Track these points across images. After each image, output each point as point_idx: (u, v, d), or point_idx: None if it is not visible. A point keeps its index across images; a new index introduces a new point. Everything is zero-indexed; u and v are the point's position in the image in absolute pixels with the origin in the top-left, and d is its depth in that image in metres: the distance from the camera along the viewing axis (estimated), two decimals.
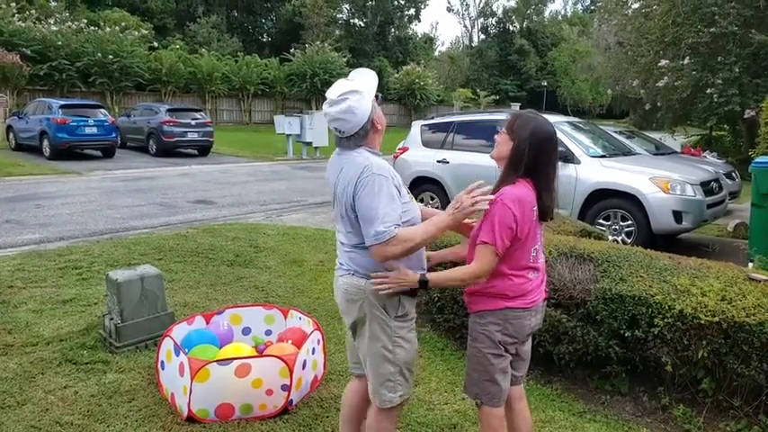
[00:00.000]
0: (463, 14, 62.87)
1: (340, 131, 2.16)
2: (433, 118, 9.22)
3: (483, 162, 7.59)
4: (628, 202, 6.56)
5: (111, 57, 25.77)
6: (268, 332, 3.76)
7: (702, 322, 2.86)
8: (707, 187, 6.84)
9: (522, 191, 2.15)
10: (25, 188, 10.80)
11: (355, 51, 44.41)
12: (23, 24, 24.59)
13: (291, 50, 34.77)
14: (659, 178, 6.53)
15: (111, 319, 3.76)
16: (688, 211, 6.40)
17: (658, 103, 10.99)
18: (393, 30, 51.64)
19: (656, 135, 12.56)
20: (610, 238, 6.20)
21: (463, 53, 59.25)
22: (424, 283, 2.17)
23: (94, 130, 15.57)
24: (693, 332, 2.93)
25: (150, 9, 40.31)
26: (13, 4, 25.87)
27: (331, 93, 2.16)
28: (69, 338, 3.89)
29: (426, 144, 8.50)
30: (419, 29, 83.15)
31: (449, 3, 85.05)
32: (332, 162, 2.31)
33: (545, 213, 2.22)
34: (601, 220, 6.72)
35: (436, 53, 61.12)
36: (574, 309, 3.34)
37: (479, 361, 2.27)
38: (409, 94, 36.79)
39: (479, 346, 2.26)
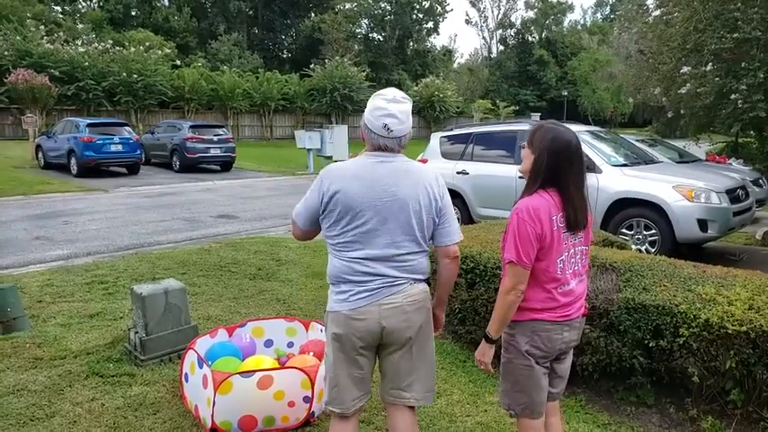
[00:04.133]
0: (482, 26, 63.03)
1: (398, 132, 2.16)
2: (451, 129, 9.23)
3: (503, 172, 7.65)
4: (651, 210, 6.47)
5: (135, 76, 26.42)
6: (290, 344, 3.78)
7: (729, 332, 2.80)
8: (733, 195, 6.71)
9: (538, 201, 2.11)
10: (54, 205, 11.06)
11: (374, 65, 44.76)
12: (52, 46, 25.41)
13: (311, 66, 35.19)
14: (683, 186, 6.43)
15: (137, 332, 3.82)
16: (713, 219, 6.29)
17: (681, 111, 10.82)
18: (412, 43, 51.95)
19: (679, 143, 12.38)
20: (633, 247, 6.11)
21: (482, 64, 59.32)
22: (494, 341, 2.21)
23: (120, 147, 15.91)
24: (720, 342, 2.87)
25: (173, 28, 41.32)
26: (42, 27, 26.75)
27: (390, 93, 2.19)
28: (96, 352, 3.97)
29: (445, 155, 8.51)
30: (438, 42, 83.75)
31: (467, 15, 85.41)
32: (371, 169, 2.16)
33: (572, 223, 2.14)
34: (624, 230, 6.64)
35: (455, 65, 61.27)
36: (597, 319, 3.30)
37: (510, 371, 2.26)
38: (429, 107, 36.94)
39: (509, 356, 2.25)
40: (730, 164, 10.58)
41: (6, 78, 20.39)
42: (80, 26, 34.12)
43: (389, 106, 2.14)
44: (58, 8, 39.88)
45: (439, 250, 2.30)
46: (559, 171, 2.12)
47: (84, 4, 44.51)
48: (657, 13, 11.36)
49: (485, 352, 2.23)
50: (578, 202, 2.14)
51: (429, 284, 2.34)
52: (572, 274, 2.22)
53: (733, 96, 8.23)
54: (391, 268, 2.16)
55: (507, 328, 2.23)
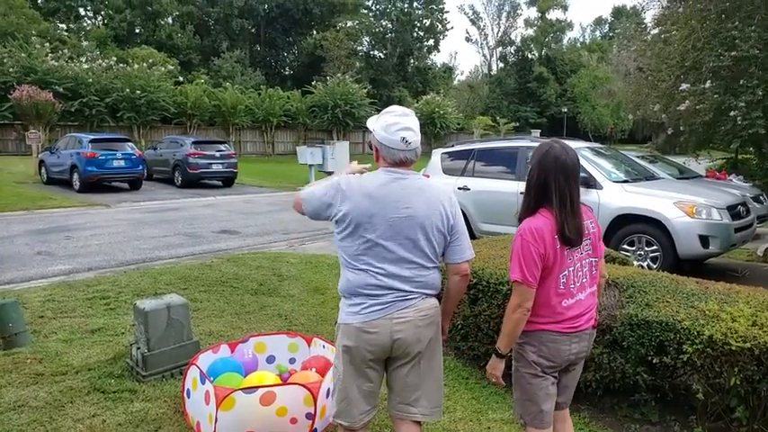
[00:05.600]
0: (482, 44, 63.44)
1: (415, 144, 2.23)
2: (453, 146, 9.28)
3: (504, 188, 7.68)
4: (652, 227, 6.48)
5: (138, 92, 26.63)
6: (292, 360, 3.77)
7: (733, 348, 2.79)
8: (734, 211, 6.73)
9: (540, 220, 2.17)
10: (56, 220, 11.08)
11: (375, 82, 45.12)
12: (57, 63, 25.67)
13: (313, 83, 35.47)
14: (684, 202, 6.45)
15: (138, 348, 3.81)
16: (715, 235, 6.30)
17: (681, 127, 10.90)
18: (412, 60, 52.42)
19: (679, 159, 12.43)
20: (635, 263, 6.11)
21: (482, 81, 59.71)
22: (504, 355, 2.27)
23: (122, 163, 15.98)
24: (724, 359, 2.86)
25: (176, 45, 41.74)
26: (47, 45, 27.03)
27: (398, 109, 2.27)
28: (97, 367, 3.95)
29: (447, 171, 8.55)
30: (438, 59, 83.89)
31: (467, 33, 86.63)
32: (386, 185, 2.20)
33: (566, 240, 2.16)
34: (625, 246, 6.64)
35: (455, 82, 61.74)
36: (600, 335, 3.29)
37: (518, 381, 2.33)
38: (429, 123, 37.13)
39: (517, 365, 2.33)
40: (731, 180, 10.61)
41: (11, 94, 20.54)
42: (84, 43, 34.49)
43: (403, 120, 2.21)
44: (63, 26, 40.38)
45: (450, 267, 2.34)
46: (548, 186, 2.18)
47: (88, 21, 45.09)
48: (656, 31, 11.47)
49: (495, 366, 2.29)
50: (568, 217, 2.17)
51: (439, 300, 2.37)
52: (578, 287, 2.27)
53: (732, 113, 8.28)
54: (403, 282, 2.20)
55: (517, 338, 2.28)
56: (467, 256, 2.31)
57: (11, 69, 24.21)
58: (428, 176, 8.76)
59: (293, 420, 2.99)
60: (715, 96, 8.64)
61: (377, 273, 2.18)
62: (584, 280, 2.29)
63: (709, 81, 8.75)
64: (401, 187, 2.21)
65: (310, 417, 3.01)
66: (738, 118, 8.21)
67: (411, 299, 2.21)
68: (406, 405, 2.31)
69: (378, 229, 2.17)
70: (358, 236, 2.19)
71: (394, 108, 2.30)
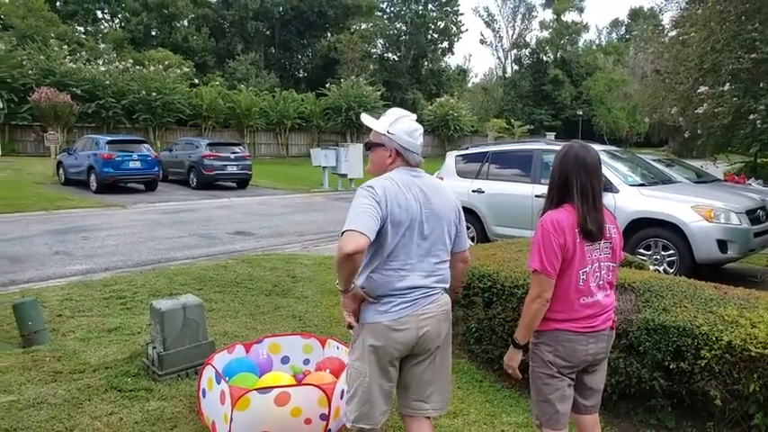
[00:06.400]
0: (496, 46, 63.05)
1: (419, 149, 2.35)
2: (467, 148, 9.27)
3: (518, 191, 7.65)
4: (669, 231, 6.41)
5: (154, 94, 26.93)
6: (306, 361, 3.78)
7: (753, 354, 2.75)
8: (753, 215, 6.63)
9: (562, 214, 2.21)
10: (73, 221, 11.23)
11: (389, 85, 45.14)
12: (74, 65, 26.06)
13: (327, 85, 35.55)
14: (702, 207, 6.37)
15: (155, 347, 3.85)
16: (733, 240, 6.22)
17: (698, 131, 10.79)
18: (426, 63, 52.35)
19: (696, 163, 12.29)
20: (651, 267, 6.05)
21: (497, 84, 59.43)
22: (521, 346, 2.32)
23: (138, 164, 16.15)
24: (743, 365, 2.82)
25: (192, 48, 42.08)
26: (65, 47, 27.44)
27: (408, 113, 2.36)
28: (114, 366, 4.00)
29: (461, 174, 8.53)
30: (452, 61, 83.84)
31: (482, 35, 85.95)
32: (413, 184, 2.25)
33: (586, 233, 2.19)
34: (641, 250, 6.58)
35: (470, 84, 61.51)
36: (615, 339, 3.25)
37: (534, 381, 2.35)
38: (443, 126, 37.10)
39: (534, 365, 2.34)
40: (749, 184, 10.46)
41: (30, 96, 20.87)
42: (102, 46, 34.95)
43: (417, 125, 2.33)
44: (81, 28, 40.90)
45: (457, 256, 2.45)
46: (569, 183, 2.22)
47: (106, 24, 45.62)
48: (674, 33, 11.38)
49: (512, 357, 2.33)
50: (591, 212, 2.21)
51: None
52: (597, 286, 2.28)
53: (751, 116, 8.19)
54: (427, 278, 2.26)
55: (533, 338, 2.30)
56: (468, 243, 2.52)
57: (30, 71, 24.61)
58: (442, 179, 8.77)
59: (308, 421, 3.00)
60: (734, 99, 8.54)
61: (404, 271, 2.22)
62: (601, 282, 2.31)
63: (728, 84, 8.66)
64: (424, 185, 2.29)
65: (324, 417, 3.02)
66: (758, 121, 8.12)
67: (433, 294, 2.28)
68: (419, 402, 2.36)
69: (413, 226, 2.22)
70: (393, 234, 2.18)
71: (403, 112, 2.37)
